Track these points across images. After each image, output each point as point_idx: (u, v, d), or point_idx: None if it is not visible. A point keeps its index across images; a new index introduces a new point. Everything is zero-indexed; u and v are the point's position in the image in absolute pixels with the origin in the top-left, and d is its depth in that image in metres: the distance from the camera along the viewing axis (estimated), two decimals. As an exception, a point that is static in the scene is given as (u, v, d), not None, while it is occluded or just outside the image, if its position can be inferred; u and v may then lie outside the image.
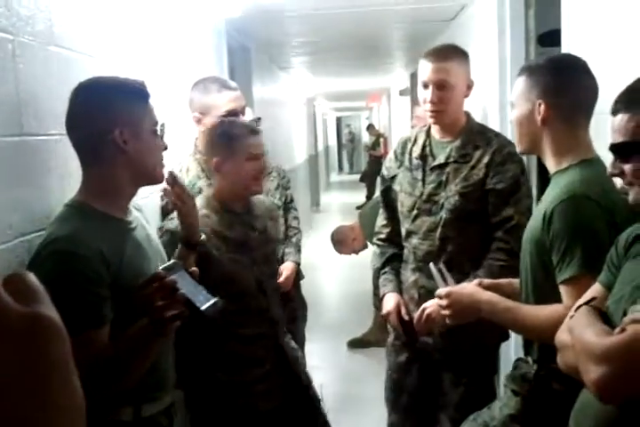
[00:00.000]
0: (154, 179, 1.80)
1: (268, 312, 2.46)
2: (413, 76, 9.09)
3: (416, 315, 2.45)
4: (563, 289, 1.77)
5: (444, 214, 2.53)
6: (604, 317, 1.45)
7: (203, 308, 1.55)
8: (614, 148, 1.52)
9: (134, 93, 1.69)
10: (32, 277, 0.39)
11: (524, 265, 1.95)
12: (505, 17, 3.96)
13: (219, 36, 4.43)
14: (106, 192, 1.69)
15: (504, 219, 2.47)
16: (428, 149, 2.65)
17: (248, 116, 3.56)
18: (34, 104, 1.72)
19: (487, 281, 2.10)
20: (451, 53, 2.65)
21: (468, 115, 2.70)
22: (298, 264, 3.75)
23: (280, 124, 8.23)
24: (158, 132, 1.75)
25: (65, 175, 1.85)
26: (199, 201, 2.31)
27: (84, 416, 0.36)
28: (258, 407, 2.40)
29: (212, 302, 1.60)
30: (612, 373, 1.28)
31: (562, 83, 1.89)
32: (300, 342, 3.68)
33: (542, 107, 1.87)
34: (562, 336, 1.56)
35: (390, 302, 2.69)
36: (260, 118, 3.85)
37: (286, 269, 3.58)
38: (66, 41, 1.92)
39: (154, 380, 1.74)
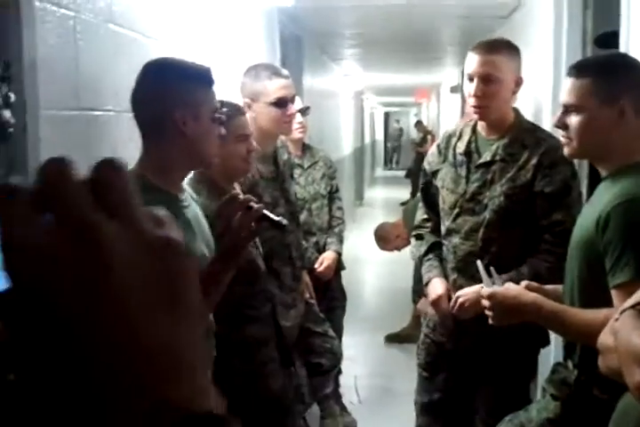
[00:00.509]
0: (207, 164, 1.84)
1: (266, 291, 2.52)
2: (464, 73, 9.01)
3: (451, 303, 2.45)
4: (615, 294, 1.71)
5: (487, 215, 2.46)
6: None
7: (277, 219, 1.69)
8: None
9: (199, 77, 1.73)
10: (124, 181, 0.38)
11: (570, 269, 1.90)
12: (562, 16, 3.90)
13: (271, 25, 4.46)
14: (162, 167, 1.73)
15: (554, 222, 2.39)
16: (473, 145, 2.56)
17: (297, 105, 3.58)
18: (92, 80, 1.77)
19: (534, 284, 2.04)
20: (499, 46, 2.55)
21: (517, 112, 2.60)
22: (339, 254, 3.77)
23: (328, 116, 8.25)
24: (217, 119, 1.78)
25: (118, 149, 1.89)
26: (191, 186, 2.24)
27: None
28: (269, 387, 2.47)
29: (280, 217, 1.75)
30: None
31: (637, 81, 1.80)
32: (338, 332, 3.71)
33: (627, 108, 1.78)
34: (605, 339, 1.53)
35: (438, 286, 2.59)
36: (309, 107, 3.87)
37: (327, 258, 3.61)
38: (124, 20, 1.96)
39: None
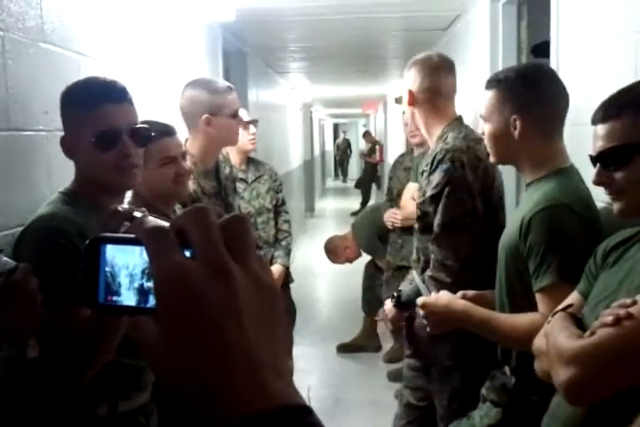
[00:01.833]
0: (115, 189, 1.78)
1: None
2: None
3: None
4: (539, 297, 1.77)
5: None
6: (580, 323, 1.47)
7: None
8: (600, 155, 1.49)
9: (79, 99, 1.66)
10: (248, 228, 0.52)
11: (499, 274, 1.95)
12: (498, 27, 4.01)
13: (214, 40, 4.46)
14: (92, 187, 1.71)
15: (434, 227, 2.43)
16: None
17: (243, 117, 3.59)
18: (22, 100, 1.75)
19: (471, 292, 2.08)
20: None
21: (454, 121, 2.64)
22: (287, 267, 3.77)
23: (276, 129, 8.26)
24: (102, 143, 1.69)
25: (51, 170, 1.87)
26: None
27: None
28: None
29: None
30: (579, 375, 1.29)
31: (534, 96, 1.88)
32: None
33: (518, 122, 1.87)
34: (538, 342, 1.57)
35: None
36: (257, 120, 3.88)
37: (274, 272, 3.61)
38: (57, 38, 1.95)
39: (129, 377, 1.76)
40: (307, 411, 0.47)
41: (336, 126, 28.28)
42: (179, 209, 2.39)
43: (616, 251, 1.53)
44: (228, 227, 0.49)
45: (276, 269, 3.65)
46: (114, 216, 1.46)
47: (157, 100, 2.86)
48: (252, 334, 0.47)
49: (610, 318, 1.26)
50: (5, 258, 1.20)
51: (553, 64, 2.85)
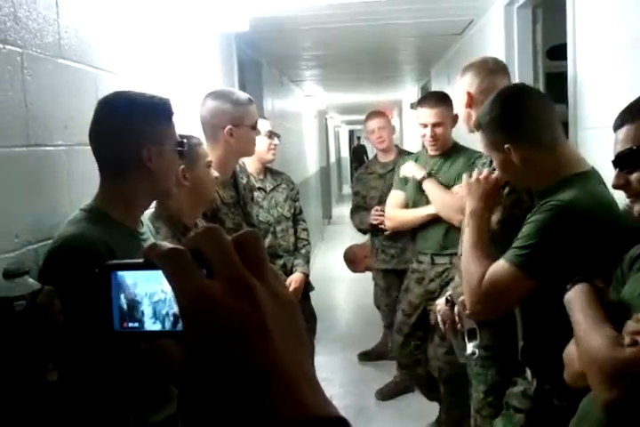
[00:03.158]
0: (169, 194, 1.85)
1: None
2: (424, 90, 9.11)
3: None
4: (499, 263, 1.88)
5: None
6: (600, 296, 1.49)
7: None
8: (618, 158, 1.51)
9: (159, 111, 1.73)
10: (260, 244, 0.51)
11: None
12: (512, 31, 3.99)
13: (229, 51, 4.48)
14: (124, 202, 1.72)
15: None
16: None
17: (265, 127, 3.61)
18: (41, 115, 1.76)
19: None
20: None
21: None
22: (307, 275, 3.77)
23: (291, 137, 8.27)
24: (179, 150, 1.80)
25: (71, 185, 1.88)
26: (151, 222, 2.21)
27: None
28: None
29: None
30: (626, 397, 1.24)
31: (512, 125, 1.94)
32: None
33: (513, 151, 1.92)
34: (570, 350, 1.55)
35: None
36: (279, 135, 3.92)
37: (295, 280, 3.61)
38: (74, 53, 1.96)
39: (158, 390, 1.75)
40: (344, 423, 0.47)
41: (351, 133, 28.27)
42: (200, 221, 2.41)
43: None
44: (241, 243, 0.50)
45: (297, 277, 3.65)
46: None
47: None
48: (282, 349, 0.48)
49: None
50: (31, 280, 1.20)
51: (570, 67, 2.83)
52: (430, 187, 3.48)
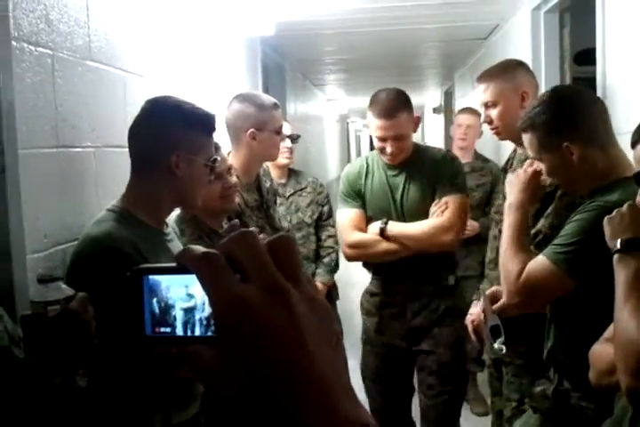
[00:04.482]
0: (190, 205, 1.86)
1: None
2: (447, 94, 9.09)
3: None
4: (539, 257, 1.88)
5: None
6: None
7: None
8: (637, 176, 1.49)
9: (201, 122, 1.74)
10: (294, 248, 0.50)
11: None
12: (539, 35, 3.96)
13: (254, 54, 4.49)
14: (149, 203, 1.73)
15: None
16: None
17: (286, 131, 3.56)
18: (70, 117, 1.77)
19: None
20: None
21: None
22: (328, 286, 3.58)
23: (313, 141, 8.28)
24: (211, 167, 1.79)
25: (99, 186, 1.89)
26: (176, 224, 2.22)
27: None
28: None
29: None
30: None
31: (572, 121, 1.91)
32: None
33: (571, 147, 1.89)
34: (597, 348, 1.53)
35: None
36: (299, 136, 3.85)
37: None
38: (103, 56, 1.97)
39: (183, 388, 1.75)
40: None
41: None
42: (225, 224, 2.40)
43: None
44: (275, 248, 0.49)
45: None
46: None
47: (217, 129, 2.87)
48: (318, 356, 0.47)
49: None
50: (64, 286, 1.20)
51: (599, 72, 2.80)
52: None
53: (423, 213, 2.70)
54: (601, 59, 2.78)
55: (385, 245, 2.73)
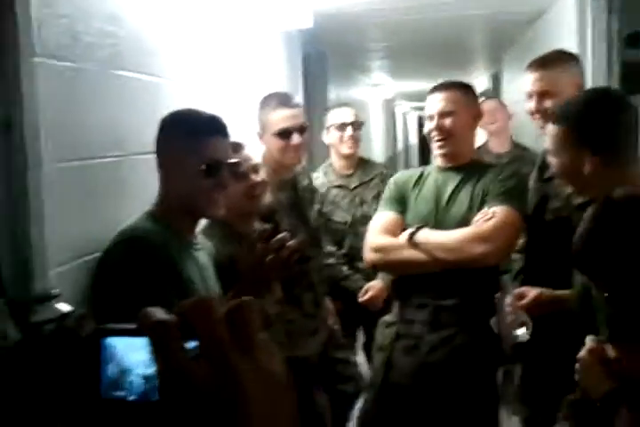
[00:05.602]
0: (197, 214, 1.80)
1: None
2: (494, 78, 8.90)
3: None
4: None
5: None
6: None
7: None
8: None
9: (193, 125, 1.71)
10: (252, 316, 0.49)
11: None
12: (586, 20, 3.82)
13: (293, 44, 4.44)
14: (169, 209, 1.74)
15: None
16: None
17: (348, 117, 3.47)
18: (96, 127, 1.77)
19: None
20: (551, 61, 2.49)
21: None
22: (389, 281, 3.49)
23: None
24: (207, 171, 1.72)
25: (124, 197, 1.89)
26: (205, 229, 2.18)
27: None
28: None
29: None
30: None
31: (604, 130, 1.86)
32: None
33: (593, 158, 1.85)
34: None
35: None
36: (363, 122, 3.71)
37: (372, 287, 3.15)
38: (130, 63, 1.97)
39: None
40: None
41: (420, 119, 27.96)
42: (259, 225, 2.37)
43: None
44: (233, 316, 0.48)
45: (376, 284, 3.16)
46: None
47: (238, 111, 2.86)
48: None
49: None
50: (61, 304, 1.21)
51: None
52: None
53: (464, 225, 2.33)
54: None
55: (408, 253, 2.34)
